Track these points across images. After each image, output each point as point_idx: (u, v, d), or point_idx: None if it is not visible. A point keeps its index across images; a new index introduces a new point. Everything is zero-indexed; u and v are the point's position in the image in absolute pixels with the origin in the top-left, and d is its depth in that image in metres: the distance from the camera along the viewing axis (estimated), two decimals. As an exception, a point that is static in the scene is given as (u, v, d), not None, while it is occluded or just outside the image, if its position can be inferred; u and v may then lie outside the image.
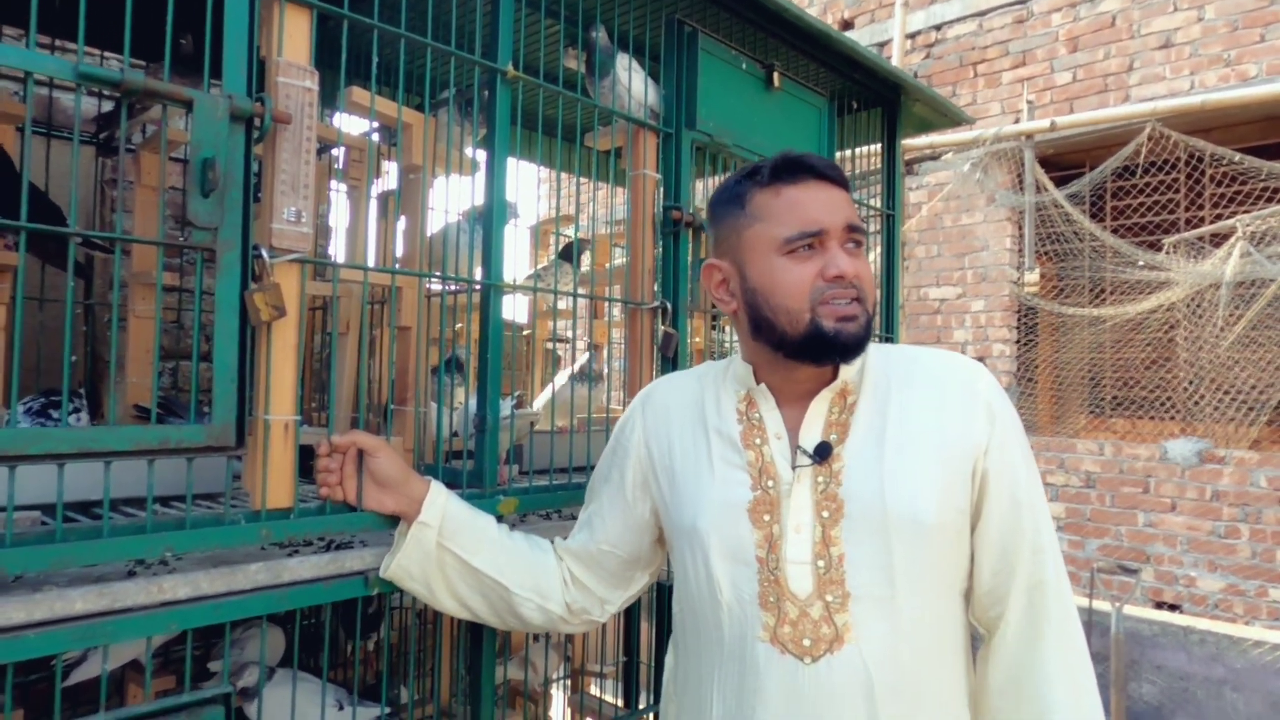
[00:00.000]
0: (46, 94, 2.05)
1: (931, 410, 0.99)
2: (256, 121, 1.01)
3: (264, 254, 1.02)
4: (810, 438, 1.01)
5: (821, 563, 0.96)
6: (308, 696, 1.35)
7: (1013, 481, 0.97)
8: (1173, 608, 4.06)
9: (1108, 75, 4.51)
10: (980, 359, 4.89)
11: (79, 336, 1.99)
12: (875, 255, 2.34)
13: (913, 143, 4.53)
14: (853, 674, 0.94)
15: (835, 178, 1.00)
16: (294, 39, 1.07)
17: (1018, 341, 4.85)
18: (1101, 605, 2.94)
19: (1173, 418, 4.35)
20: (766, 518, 1.00)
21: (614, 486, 1.17)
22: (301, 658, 1.84)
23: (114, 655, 1.42)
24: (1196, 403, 4.17)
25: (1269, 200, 3.78)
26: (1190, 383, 4.17)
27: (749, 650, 0.98)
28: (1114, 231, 4.31)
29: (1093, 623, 2.96)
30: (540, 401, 1.94)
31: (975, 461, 0.97)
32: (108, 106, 2.08)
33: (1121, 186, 4.40)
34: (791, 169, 0.99)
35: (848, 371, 1.03)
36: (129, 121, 1.71)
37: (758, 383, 1.06)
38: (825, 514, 0.97)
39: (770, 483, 1.01)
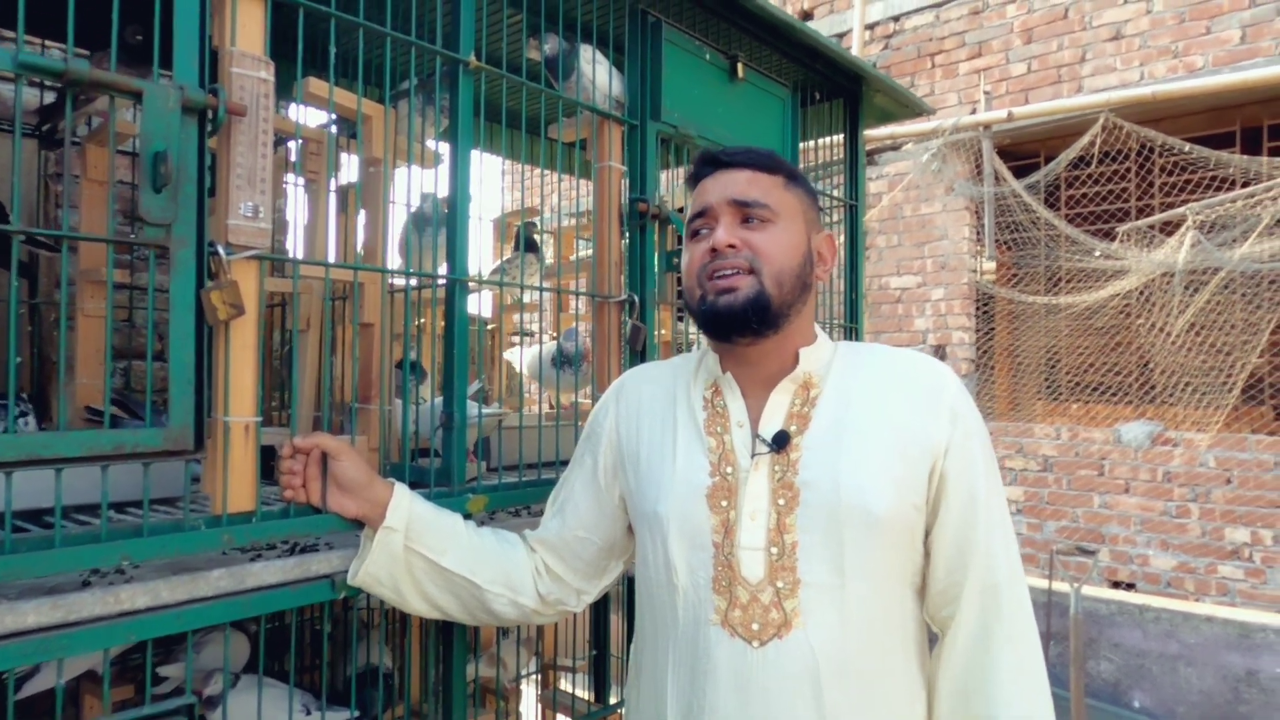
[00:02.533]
0: (-16, 85, 1.97)
1: (895, 408, 1.00)
2: (210, 114, 0.97)
3: (220, 251, 0.99)
4: (770, 427, 1.02)
5: (775, 549, 0.97)
6: (274, 703, 1.32)
7: (971, 484, 0.98)
8: (1128, 586, 4.17)
9: (1061, 66, 4.59)
10: (940, 347, 4.97)
11: (24, 337, 1.92)
12: (839, 244, 2.35)
13: (874, 133, 4.57)
14: (799, 658, 0.95)
15: (740, 161, 1.03)
16: (248, 28, 1.03)
17: (977, 329, 4.93)
18: (1061, 586, 3.01)
19: (1129, 402, 4.47)
20: (724, 503, 1.00)
21: (587, 471, 1.17)
22: (267, 662, 1.81)
23: (69, 667, 1.37)
24: (1147, 388, 4.29)
25: (1216, 189, 3.89)
26: (1143, 368, 4.28)
27: (701, 633, 0.99)
28: (1068, 220, 4.39)
29: (1052, 603, 3.03)
30: (527, 361, 1.91)
31: (935, 461, 0.98)
32: (51, 98, 2.01)
33: (1075, 176, 4.49)
34: (703, 164, 1.06)
35: (809, 363, 1.04)
36: (74, 113, 1.65)
37: (723, 372, 1.07)
38: (781, 501, 0.98)
39: (729, 469, 1.02)
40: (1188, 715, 2.74)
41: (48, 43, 1.77)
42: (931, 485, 0.99)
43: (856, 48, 4.77)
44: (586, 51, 1.56)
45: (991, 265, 4.64)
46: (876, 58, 5.25)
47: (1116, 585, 4.22)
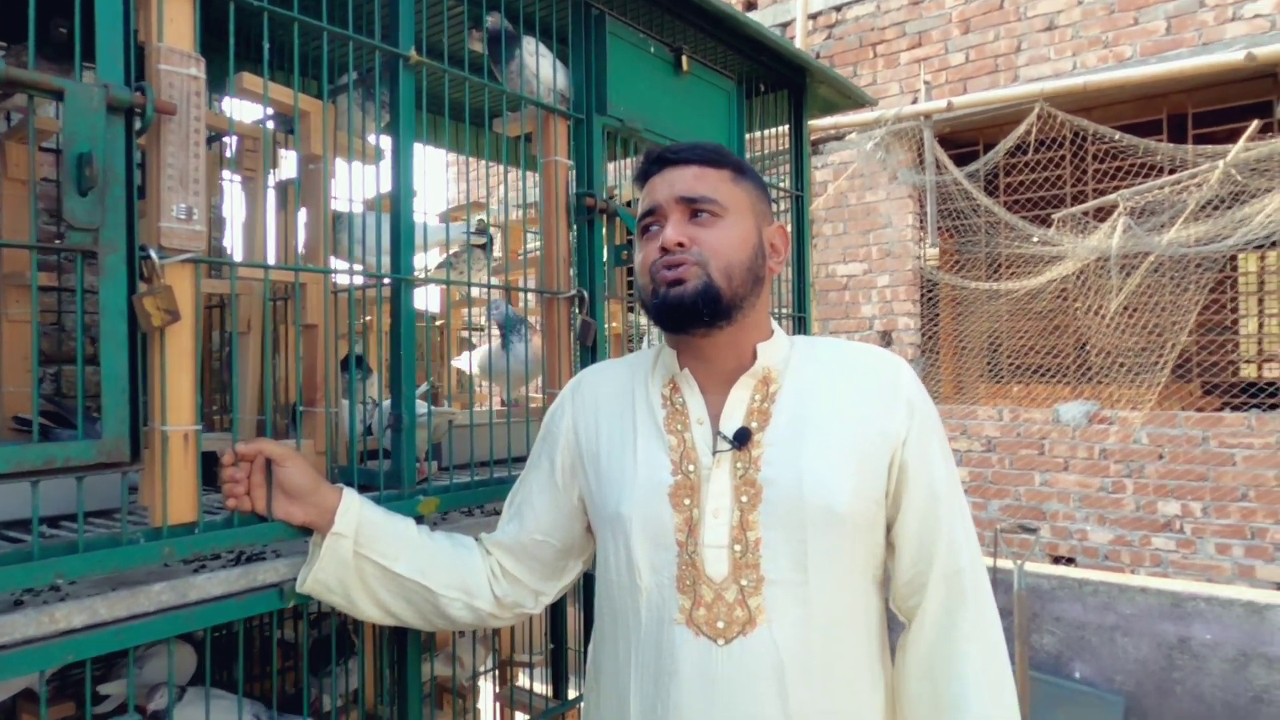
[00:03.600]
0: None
1: (853, 401, 1.01)
2: (138, 113, 0.93)
3: (153, 255, 0.95)
4: (731, 423, 1.02)
5: (738, 547, 0.98)
6: (223, 715, 1.29)
7: (930, 474, 1.00)
8: (1068, 561, 4.32)
9: (998, 56, 4.70)
10: (886, 333, 5.07)
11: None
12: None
13: (818, 123, 4.62)
14: (764, 655, 0.95)
15: (687, 158, 1.04)
16: (176, 23, 0.99)
17: (921, 315, 5.03)
18: (1005, 563, 3.11)
19: (1067, 383, 4.62)
20: (687, 501, 1.01)
21: (544, 473, 1.16)
22: (215, 672, 1.76)
23: (3, 686, 1.32)
24: (1084, 369, 4.44)
25: (1145, 176, 4.03)
26: (1080, 349, 4.43)
27: (665, 633, 0.99)
28: (1007, 207, 4.51)
29: (997, 580, 3.12)
30: (476, 359, 1.89)
31: (893, 453, 1.00)
32: (-35, 92, 1.91)
33: (1013, 164, 4.61)
34: (651, 162, 1.07)
35: (768, 358, 1.05)
36: (-9, 109, 1.58)
37: (681, 369, 1.07)
38: (744, 499, 0.99)
39: (691, 467, 1.01)
40: (1125, 683, 2.85)
41: None
42: (891, 478, 1.00)
43: (800, 37, 4.81)
44: (530, 44, 1.54)
45: (934, 252, 4.74)
46: (819, 47, 5.31)
47: (1057, 560, 4.37)
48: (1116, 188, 3.87)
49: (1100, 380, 4.38)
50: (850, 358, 1.06)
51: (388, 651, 1.32)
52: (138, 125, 0.95)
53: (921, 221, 4.92)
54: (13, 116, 1.81)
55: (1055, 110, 3.99)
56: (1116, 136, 3.81)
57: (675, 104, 1.79)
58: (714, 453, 1.01)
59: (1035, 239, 3.87)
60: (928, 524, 1.00)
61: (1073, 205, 4.16)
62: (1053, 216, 4.05)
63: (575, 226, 1.59)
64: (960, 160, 4.61)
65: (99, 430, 0.93)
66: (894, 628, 1.09)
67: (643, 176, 1.08)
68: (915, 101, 4.80)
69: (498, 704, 2.28)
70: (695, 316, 0.99)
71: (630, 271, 1.11)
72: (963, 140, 4.89)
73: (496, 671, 2.39)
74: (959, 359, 5.07)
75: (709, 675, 0.96)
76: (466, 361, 2.05)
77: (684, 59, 1.78)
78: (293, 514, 1.07)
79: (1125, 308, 3.88)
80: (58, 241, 1.91)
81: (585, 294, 1.56)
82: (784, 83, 2.25)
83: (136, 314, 0.94)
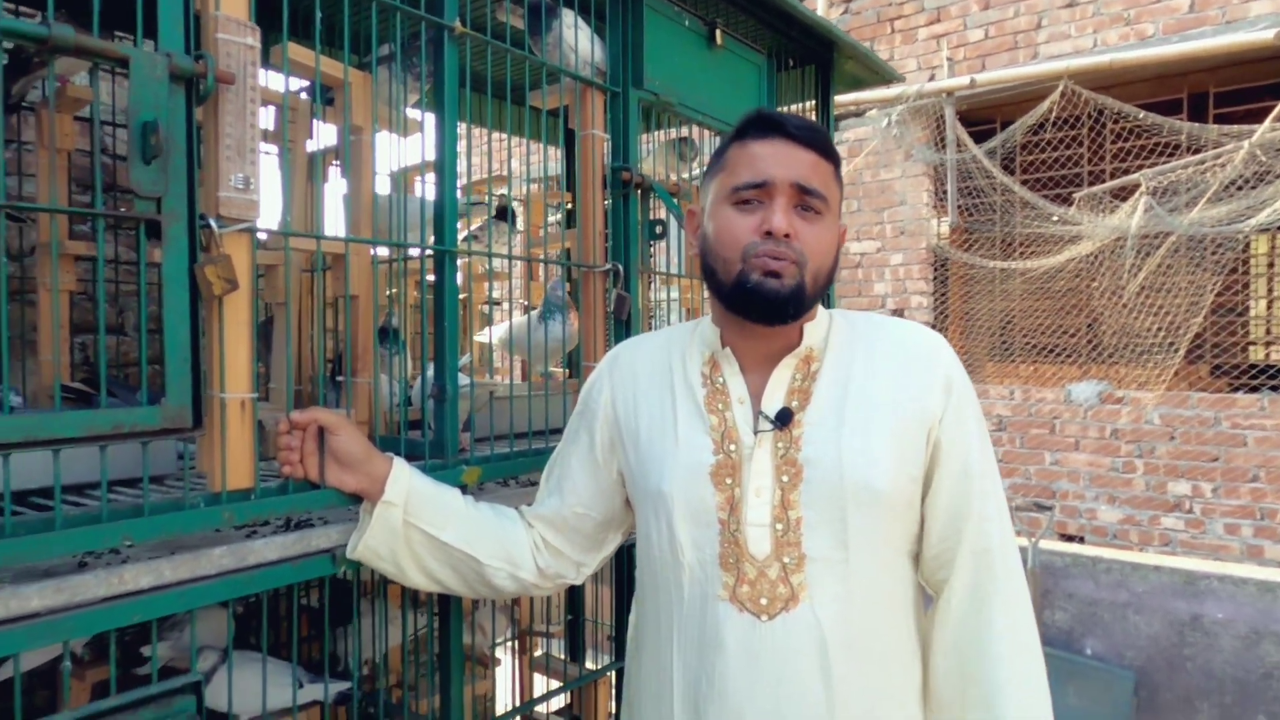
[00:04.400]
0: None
1: (892, 379, 1.02)
2: (198, 82, 0.94)
3: (212, 224, 0.96)
4: (772, 403, 1.03)
5: (780, 525, 0.99)
6: (266, 676, 1.31)
7: (965, 452, 1.01)
8: (1078, 539, 4.36)
9: (1018, 33, 4.65)
10: (898, 311, 5.07)
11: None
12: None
13: (840, 99, 4.57)
14: (807, 631, 0.97)
15: (805, 139, 0.99)
16: (231, -9, 0.99)
17: (934, 293, 5.03)
18: (1019, 541, 3.13)
19: (1078, 363, 4.62)
20: (728, 480, 1.02)
21: (583, 448, 1.17)
22: (254, 637, 1.80)
23: (44, 650, 1.35)
24: (1097, 349, 4.44)
25: (1164, 156, 4.00)
26: (1092, 329, 4.43)
27: (709, 608, 1.01)
28: (1026, 185, 4.49)
29: (1010, 558, 3.16)
30: (497, 334, 1.90)
31: (930, 430, 1.00)
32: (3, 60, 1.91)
33: (1031, 142, 4.58)
34: (762, 125, 1.01)
35: (812, 337, 1.05)
36: (25, 78, 1.57)
37: (723, 346, 1.07)
38: (785, 478, 1.00)
39: (732, 447, 1.02)
40: (1136, 658, 2.89)
41: (21, 6, 1.67)
42: (927, 454, 1.01)
43: (819, 12, 4.75)
44: (568, 17, 1.53)
45: (945, 229, 4.72)
46: (838, 22, 5.25)
47: (1067, 539, 4.40)
48: (1135, 168, 3.85)
49: (1112, 360, 4.39)
50: (890, 335, 1.06)
51: (430, 623, 1.35)
52: (196, 95, 0.95)
53: (938, 200, 4.90)
54: (45, 87, 1.81)
55: (1079, 88, 3.96)
56: (1140, 115, 3.78)
57: (709, 78, 1.79)
58: (755, 432, 1.02)
59: (1055, 218, 3.86)
60: (958, 500, 1.01)
61: (1090, 185, 4.14)
62: (1073, 196, 4.03)
63: (610, 200, 1.59)
64: (976, 139, 4.58)
65: (137, 400, 0.94)
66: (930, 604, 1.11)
67: (746, 135, 1.02)
68: (933, 78, 4.76)
69: (517, 670, 2.31)
70: (780, 314, 0.99)
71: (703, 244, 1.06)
72: (980, 118, 4.86)
73: (516, 641, 2.43)
74: (969, 338, 5.07)
75: (753, 650, 0.98)
76: (488, 335, 2.06)
77: (717, 33, 1.77)
78: (345, 482, 1.09)
79: (1141, 289, 3.88)
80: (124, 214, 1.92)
81: (620, 268, 1.57)
82: (812, 57, 2.24)
83: (198, 283, 0.95)
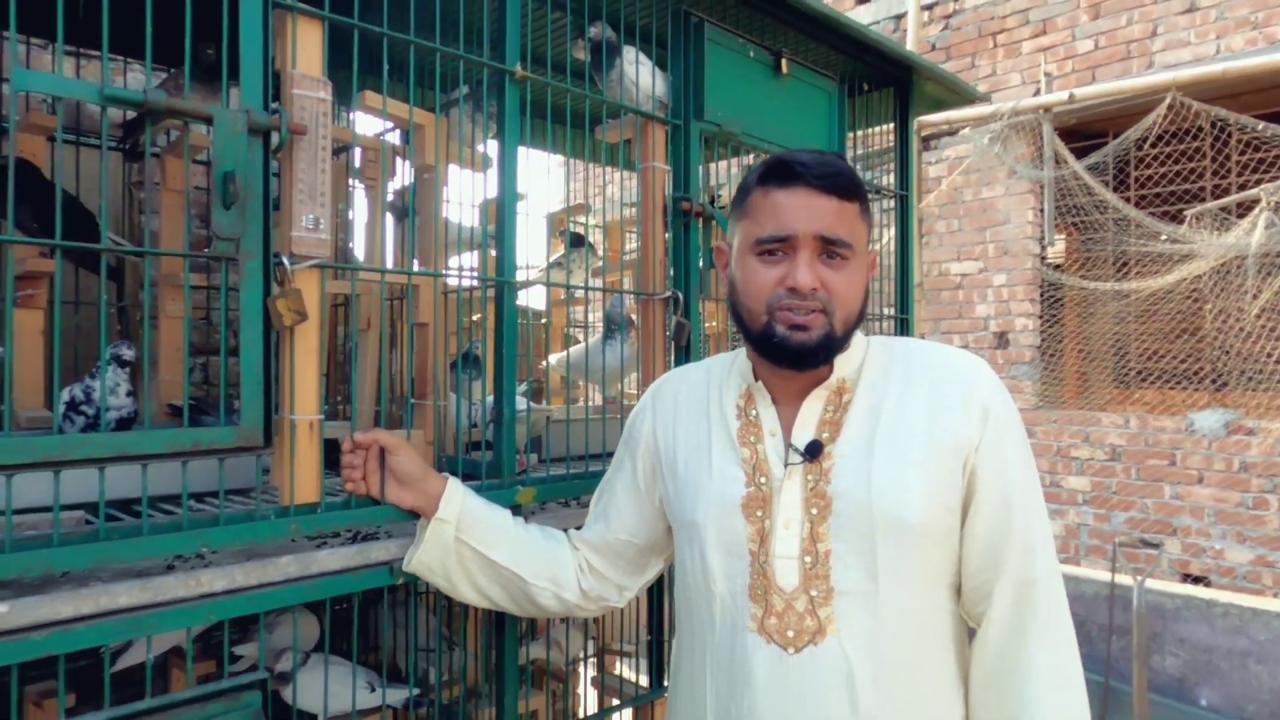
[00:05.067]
0: (74, 102, 2.11)
1: (927, 407, 1.01)
2: (273, 133, 1.04)
3: (285, 261, 1.06)
4: (802, 436, 1.03)
5: (808, 558, 0.99)
6: (340, 680, 1.41)
7: (1004, 481, 0.98)
8: (1201, 580, 4.04)
9: (1130, 42, 4.42)
10: (1003, 334, 4.87)
11: (114, 337, 2.06)
12: (889, 236, 2.34)
13: (930, 119, 4.49)
14: (834, 665, 0.96)
15: (827, 186, 0.98)
16: (307, 50, 1.10)
17: (1040, 315, 4.81)
18: (1124, 579, 2.94)
19: (1198, 389, 4.31)
20: (759, 513, 1.03)
21: (627, 476, 1.20)
22: (335, 642, 1.91)
23: (156, 643, 1.49)
24: (1220, 375, 4.13)
25: (1296, 167, 3.71)
26: (1216, 353, 4.12)
27: (739, 639, 1.02)
28: (1140, 201, 4.24)
29: (1115, 596, 2.97)
30: (555, 359, 1.96)
31: (966, 459, 0.99)
32: (133, 114, 2.13)
33: (1147, 155, 4.33)
34: (782, 172, 1.00)
35: (844, 368, 1.05)
36: (152, 128, 1.76)
37: (756, 379, 1.08)
38: (814, 511, 1.00)
39: (763, 479, 1.03)
40: (1259, 714, 2.66)
41: (129, 60, 1.89)
42: (964, 484, 1.00)
43: (913, 30, 4.67)
44: (629, 53, 1.59)
45: (1060, 249, 4.51)
46: (935, 39, 5.14)
47: (1190, 579, 4.09)
48: (1254, 182, 3.58)
49: (1240, 388, 4.07)
50: (926, 362, 1.05)
51: (485, 635, 1.41)
52: (273, 145, 1.06)
53: (1043, 218, 4.69)
54: (170, 134, 2.02)
55: (1189, 100, 3.72)
56: (1259, 126, 3.52)
57: (775, 106, 1.80)
58: (785, 465, 1.03)
59: (1164, 237, 3.63)
60: (996, 531, 0.98)
61: (1212, 200, 3.87)
62: (1185, 213, 3.78)
63: (671, 229, 1.63)
64: (1089, 153, 4.36)
65: (238, 419, 1.05)
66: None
67: (769, 182, 1.01)
68: (1038, 93, 4.58)
69: (591, 689, 2.35)
70: (808, 362, 1.00)
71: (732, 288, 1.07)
72: (1091, 131, 4.63)
73: (596, 659, 2.47)
74: (1084, 362, 4.81)
75: (781, 682, 0.98)
76: (556, 359, 2.13)
77: (783, 61, 1.79)
78: (402, 499, 1.16)
79: (1262, 310, 3.58)
80: (206, 249, 2.12)
81: (680, 295, 1.60)
82: (889, 81, 2.22)
83: (270, 314, 1.05)
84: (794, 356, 0.99)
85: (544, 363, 1.87)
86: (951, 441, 0.99)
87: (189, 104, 0.97)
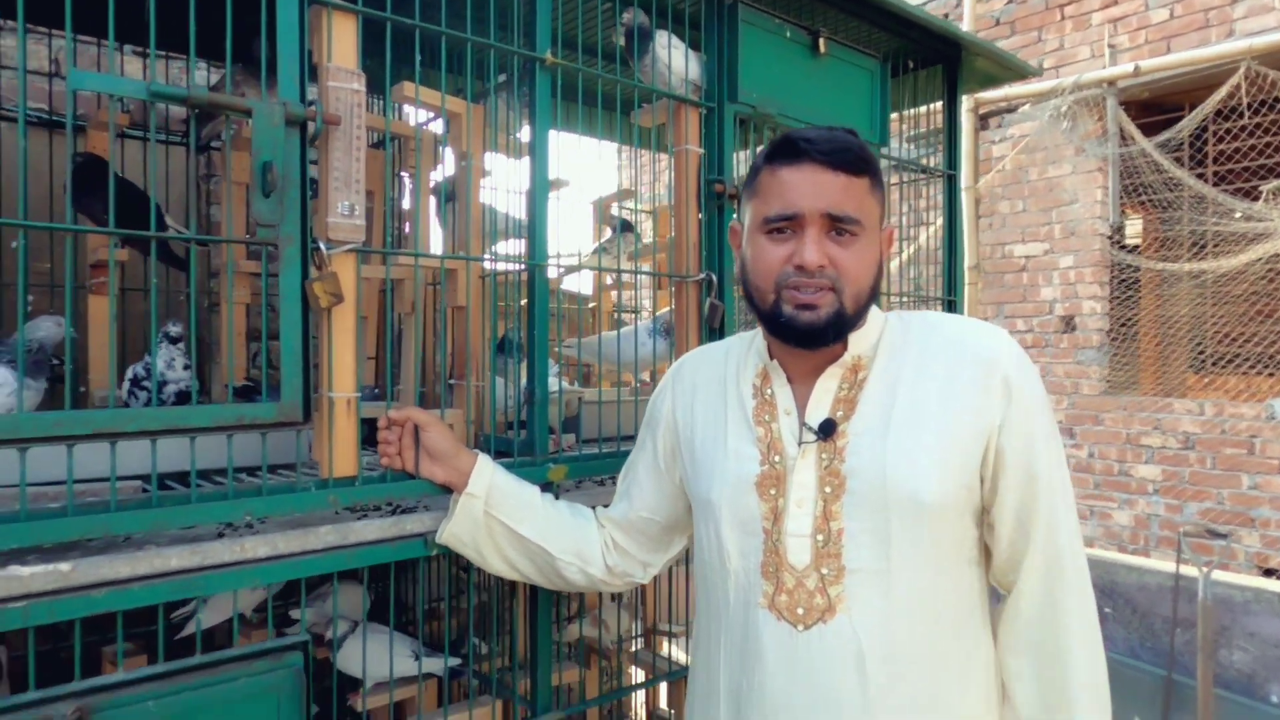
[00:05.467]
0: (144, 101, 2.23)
1: (945, 384, 1.00)
2: (309, 124, 1.09)
3: (321, 246, 1.12)
4: (817, 414, 1.04)
5: (820, 536, 1.00)
6: (385, 647, 1.47)
7: (1029, 458, 0.98)
8: (1277, 574, 3.85)
9: (1209, 9, 4.19)
10: (1069, 317, 4.71)
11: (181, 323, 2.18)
12: (939, 219, 2.30)
13: (988, 95, 4.35)
14: (843, 643, 0.97)
15: (834, 162, 0.97)
16: (342, 43, 1.15)
17: (1110, 298, 4.63)
18: (1189, 570, 2.84)
19: (1278, 374, 4.10)
20: (773, 491, 1.03)
21: (649, 455, 1.23)
22: (383, 613, 2.00)
23: (220, 609, 1.59)
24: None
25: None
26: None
27: (750, 616, 1.03)
28: (1220, 177, 4.03)
29: (1180, 588, 2.87)
30: (584, 346, 1.97)
31: (989, 439, 0.98)
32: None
33: (1223, 129, 4.11)
34: (788, 150, 0.99)
35: (858, 346, 1.04)
36: (212, 124, 1.85)
37: (771, 358, 1.09)
38: (828, 490, 1.00)
39: (777, 458, 1.04)
40: (1334, 712, 2.54)
41: (174, 55, 1.99)
42: (987, 464, 0.99)
43: (969, 3, 4.53)
44: (662, 38, 1.60)
45: (1137, 228, 4.32)
46: (999, 13, 4.97)
47: (1269, 572, 3.91)
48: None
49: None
50: (944, 335, 1.03)
51: (529, 611, 1.46)
52: (309, 135, 1.11)
53: (1113, 196, 4.51)
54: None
55: (1266, 69, 3.51)
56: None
57: (812, 86, 1.79)
58: (799, 444, 1.03)
59: (1238, 214, 3.44)
60: (1026, 508, 0.99)
61: (1296, 174, 3.66)
62: (1260, 189, 3.59)
63: (705, 211, 1.64)
64: (1165, 127, 4.16)
65: (279, 396, 1.11)
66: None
67: (777, 160, 1.01)
68: (1099, 70, 4.39)
69: (635, 667, 2.39)
70: (818, 341, 1.00)
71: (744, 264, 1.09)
72: (1169, 104, 4.41)
73: (641, 638, 2.51)
74: (1159, 346, 4.61)
75: (790, 659, 1.00)
76: (574, 346, 2.15)
77: (820, 41, 1.77)
78: (435, 473, 1.21)
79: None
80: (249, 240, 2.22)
81: (714, 277, 1.62)
82: (936, 58, 2.17)
83: (308, 297, 1.10)
84: (802, 335, 0.99)
85: (560, 347, 1.88)
86: (972, 420, 0.98)
87: (229, 98, 1.03)
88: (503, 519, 1.20)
